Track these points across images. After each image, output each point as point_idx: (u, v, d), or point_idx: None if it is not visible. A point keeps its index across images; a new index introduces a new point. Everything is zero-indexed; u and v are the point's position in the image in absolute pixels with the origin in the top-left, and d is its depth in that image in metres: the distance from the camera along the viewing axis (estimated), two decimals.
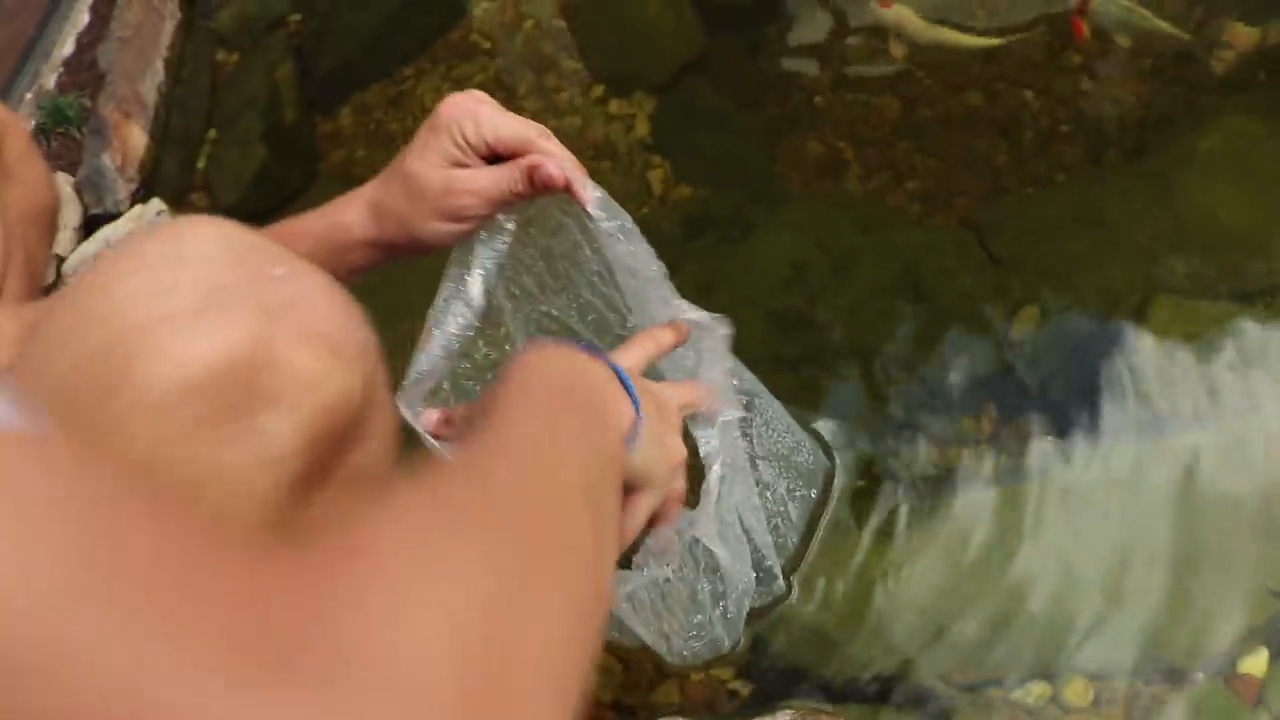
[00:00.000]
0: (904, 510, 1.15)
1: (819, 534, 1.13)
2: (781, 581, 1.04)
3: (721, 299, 1.37)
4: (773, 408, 1.02)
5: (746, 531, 0.93)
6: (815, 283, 1.37)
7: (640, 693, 1.10)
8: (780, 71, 1.69)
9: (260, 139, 1.86)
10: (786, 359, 1.31)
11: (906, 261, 1.39)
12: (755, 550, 0.95)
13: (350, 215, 0.84)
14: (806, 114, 1.62)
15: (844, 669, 1.00)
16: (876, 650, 1.03)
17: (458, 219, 0.80)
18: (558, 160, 0.78)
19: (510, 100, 1.71)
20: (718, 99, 1.67)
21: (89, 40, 2.08)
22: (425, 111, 1.75)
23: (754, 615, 1.02)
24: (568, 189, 0.78)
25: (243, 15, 2.17)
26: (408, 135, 1.74)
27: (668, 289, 0.85)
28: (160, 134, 1.99)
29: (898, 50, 1.68)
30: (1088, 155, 1.49)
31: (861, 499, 1.16)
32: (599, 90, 1.68)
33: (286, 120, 1.89)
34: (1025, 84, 1.60)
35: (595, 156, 1.61)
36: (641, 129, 1.62)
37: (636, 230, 0.81)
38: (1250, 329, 1.21)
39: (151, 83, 2.05)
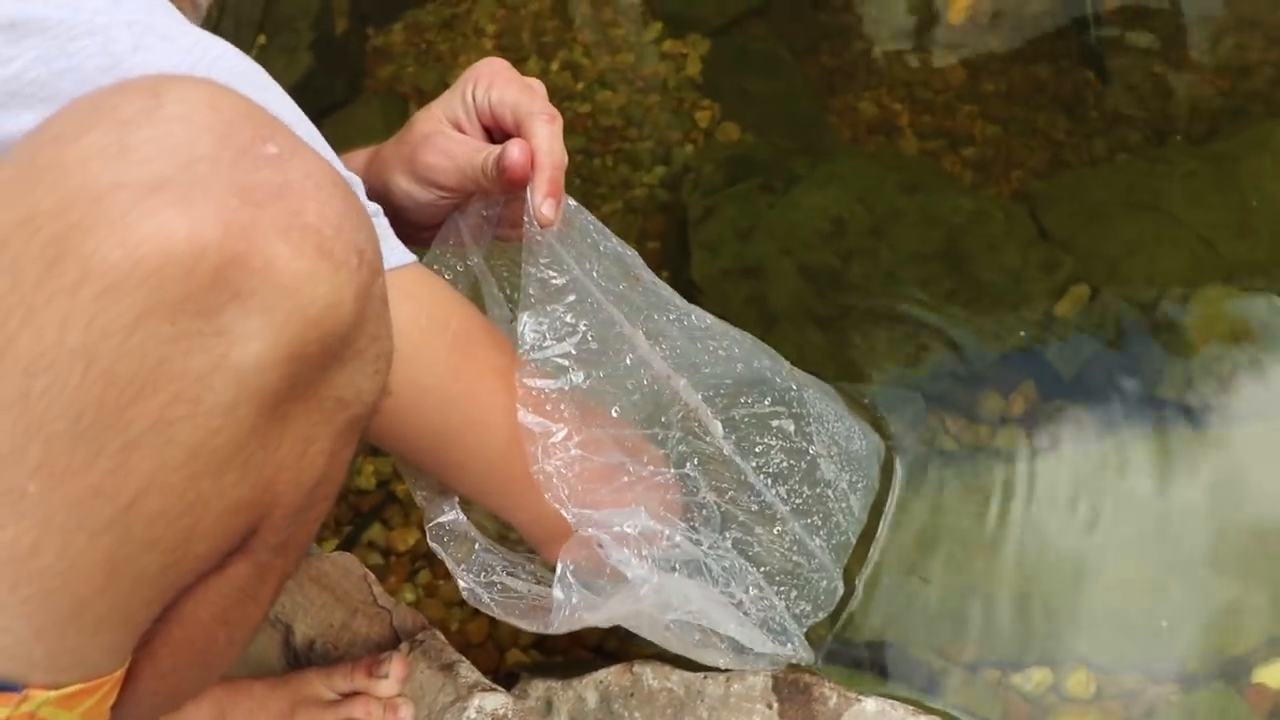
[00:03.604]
0: (924, 483, 1.10)
1: (886, 520, 1.07)
2: (841, 586, 0.97)
3: (757, 247, 1.32)
4: (820, 397, 0.97)
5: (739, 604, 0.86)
6: (854, 241, 1.32)
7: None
8: (841, 23, 1.63)
9: (308, 48, 1.83)
10: (817, 316, 1.26)
11: (952, 229, 1.34)
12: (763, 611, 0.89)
13: (357, 157, 0.81)
14: (864, 69, 1.56)
15: (837, 632, 0.96)
16: (870, 615, 0.99)
17: (423, 180, 0.74)
18: (529, 151, 0.69)
19: (565, 30, 1.67)
20: (773, 45, 1.62)
21: None
22: (478, 34, 1.72)
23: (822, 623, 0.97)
24: (523, 185, 0.69)
25: None
26: (457, 57, 1.71)
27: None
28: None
29: (962, 18, 1.62)
30: (1152, 138, 1.42)
31: (886, 470, 1.12)
32: (655, 28, 1.63)
33: (336, 31, 1.86)
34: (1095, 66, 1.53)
35: (644, 90, 1.56)
36: (693, 69, 1.57)
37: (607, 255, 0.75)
38: None
39: None
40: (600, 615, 0.78)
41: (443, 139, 0.73)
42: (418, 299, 0.68)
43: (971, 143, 1.45)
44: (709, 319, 0.85)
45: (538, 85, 0.74)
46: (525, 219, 0.69)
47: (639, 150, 1.48)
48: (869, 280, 1.28)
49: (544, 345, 0.73)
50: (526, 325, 0.72)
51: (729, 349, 0.86)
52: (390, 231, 0.68)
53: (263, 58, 1.87)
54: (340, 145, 0.77)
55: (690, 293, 1.36)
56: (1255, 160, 1.30)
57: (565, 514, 0.74)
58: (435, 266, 0.76)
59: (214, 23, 1.98)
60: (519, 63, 1.63)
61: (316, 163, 0.50)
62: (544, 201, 0.69)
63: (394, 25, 1.80)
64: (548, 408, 0.74)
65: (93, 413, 0.44)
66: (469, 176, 0.72)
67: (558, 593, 0.75)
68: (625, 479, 0.77)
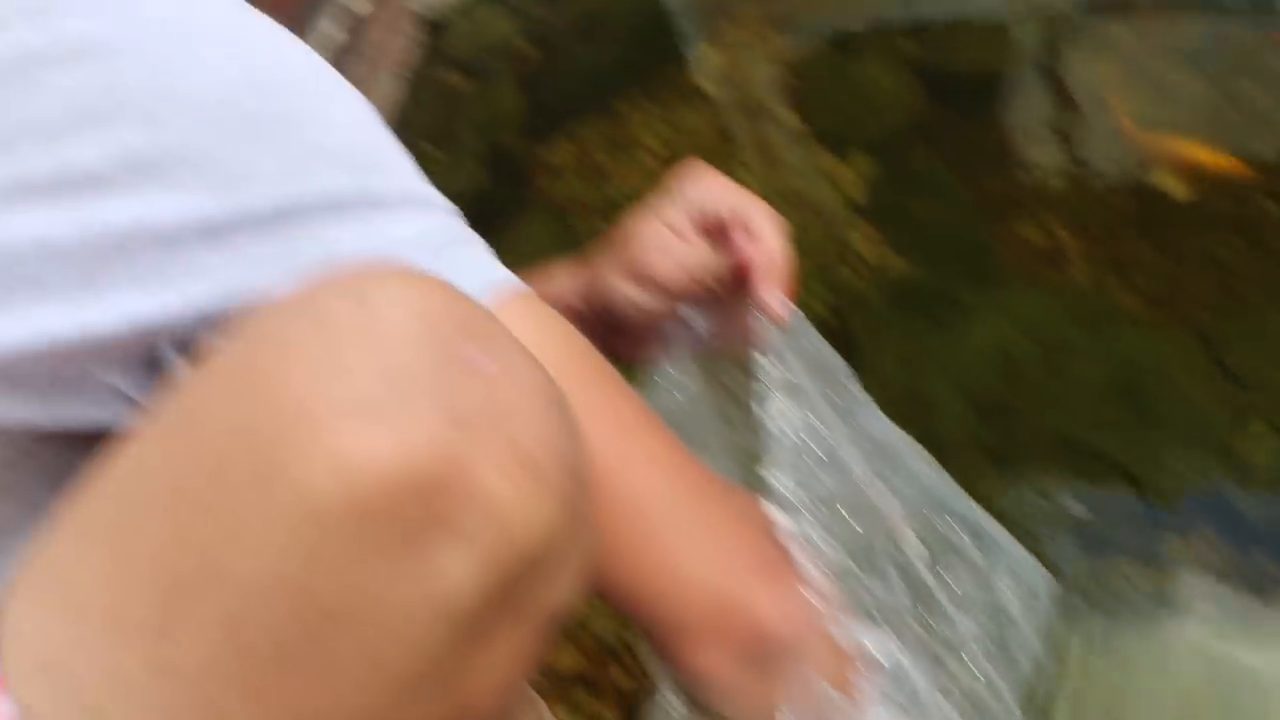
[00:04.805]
0: (1102, 631, 1.06)
1: (1066, 666, 1.03)
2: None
3: (923, 376, 1.31)
4: (998, 527, 0.94)
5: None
6: (1023, 373, 1.29)
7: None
8: (1009, 148, 1.62)
9: (477, 159, 1.90)
10: (986, 448, 1.24)
11: (1126, 363, 1.30)
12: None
13: (560, 269, 0.80)
14: (1032, 196, 1.55)
15: None
16: None
17: (643, 280, 0.73)
18: (759, 245, 0.68)
19: (726, 148, 1.70)
20: (937, 168, 1.62)
21: (332, 50, 2.17)
22: (641, 149, 1.76)
23: None
24: (752, 279, 0.68)
25: (476, 39, 2.23)
26: (620, 170, 1.75)
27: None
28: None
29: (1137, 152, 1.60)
30: None
31: (1061, 611, 1.08)
32: (815, 146, 1.65)
33: (504, 144, 1.92)
34: (1275, 195, 1.49)
35: (805, 212, 1.57)
36: (854, 190, 1.58)
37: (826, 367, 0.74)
38: None
39: (382, 93, 2.13)
40: None
41: (663, 240, 0.72)
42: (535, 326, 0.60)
43: (1145, 273, 1.42)
44: (903, 434, 0.84)
45: (747, 191, 0.74)
46: (754, 316, 0.69)
47: (804, 273, 1.49)
48: (1040, 414, 1.25)
49: (786, 437, 0.71)
50: (771, 415, 0.71)
51: (921, 468, 0.85)
52: (480, 244, 0.62)
53: (429, 168, 1.94)
54: (506, 256, 0.76)
55: None
56: None
57: (829, 620, 0.71)
58: (655, 379, 0.76)
59: (389, 130, 2.07)
60: None
61: (529, 372, 0.48)
62: (774, 297, 0.68)
63: (559, 140, 1.86)
64: (792, 499, 0.72)
65: (298, 640, 0.44)
66: (695, 277, 0.71)
67: None
68: (855, 584, 0.75)
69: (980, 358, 1.32)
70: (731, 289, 0.70)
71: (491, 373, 0.46)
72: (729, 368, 0.79)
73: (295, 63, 0.55)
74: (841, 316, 1.42)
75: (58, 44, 0.47)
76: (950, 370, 1.32)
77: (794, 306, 0.73)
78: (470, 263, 0.58)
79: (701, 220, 0.73)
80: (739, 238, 0.68)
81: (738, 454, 0.81)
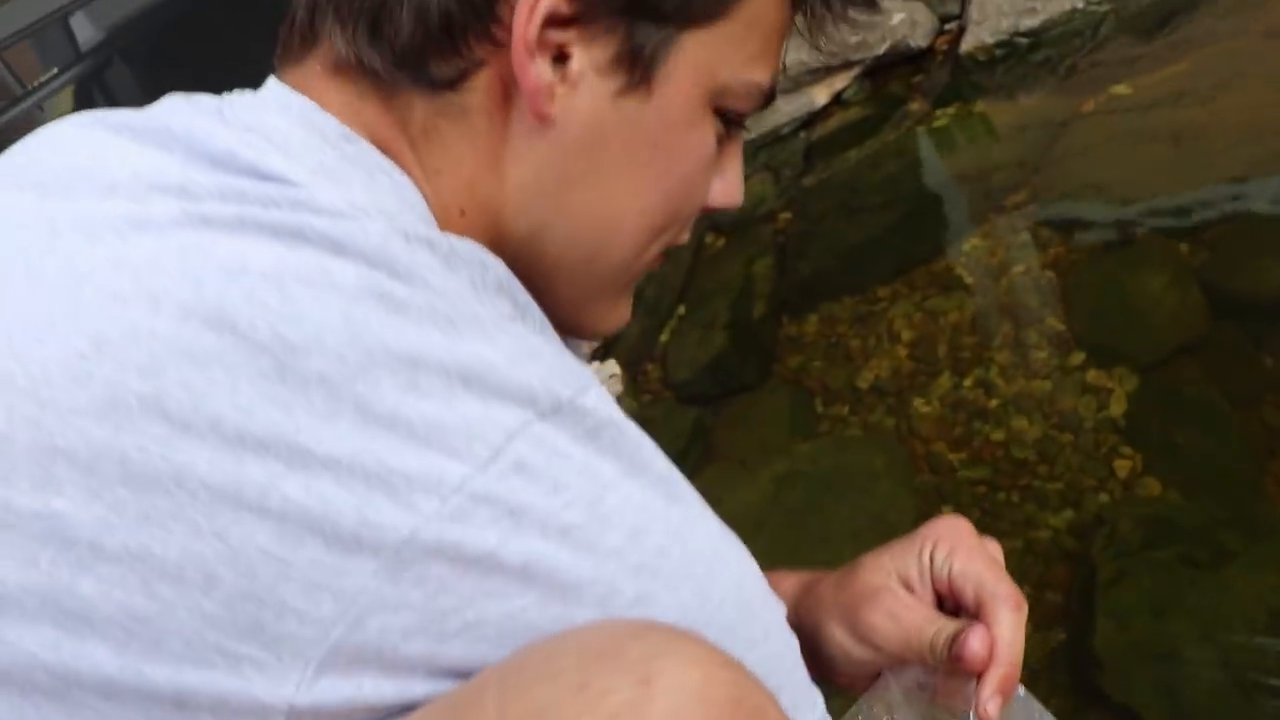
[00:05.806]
0: None
1: None
2: None
3: (1174, 628, 1.21)
4: None
5: None
6: None
7: None
8: None
9: (724, 326, 1.92)
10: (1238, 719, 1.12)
11: None
12: None
13: (786, 579, 0.77)
14: None
15: None
16: None
17: (862, 639, 0.69)
18: (990, 642, 0.64)
19: (982, 348, 1.65)
20: (1209, 392, 1.52)
21: None
22: (891, 338, 1.73)
23: None
24: (976, 675, 0.64)
25: None
26: (868, 355, 1.73)
27: None
28: (633, 300, 2.12)
29: None
30: None
31: None
32: (1078, 357, 1.58)
33: (753, 314, 1.94)
34: None
35: (1059, 425, 1.50)
36: (1116, 408, 1.50)
37: None
38: None
39: None
40: None
41: (891, 598, 0.69)
42: None
43: None
44: None
45: (999, 555, 0.69)
46: (969, 709, 0.65)
47: (1048, 490, 1.42)
48: None
49: None
50: None
51: None
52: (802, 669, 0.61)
53: (679, 328, 1.98)
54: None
55: (1088, 666, 1.26)
56: None
57: None
58: (858, 709, 0.72)
59: (639, 287, 2.13)
60: (931, 376, 1.62)
61: None
62: (991, 698, 0.64)
63: (809, 315, 1.86)
64: None
65: None
66: (913, 648, 0.67)
67: None
68: None
69: (1241, 613, 1.21)
70: (950, 664, 0.65)
71: None
72: (940, 713, 0.74)
73: (733, 600, 0.54)
74: (1084, 541, 1.34)
75: (520, 560, 0.47)
76: (1203, 622, 1.21)
77: (1024, 692, 0.68)
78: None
79: (940, 586, 0.69)
80: (972, 633, 0.64)
81: None
